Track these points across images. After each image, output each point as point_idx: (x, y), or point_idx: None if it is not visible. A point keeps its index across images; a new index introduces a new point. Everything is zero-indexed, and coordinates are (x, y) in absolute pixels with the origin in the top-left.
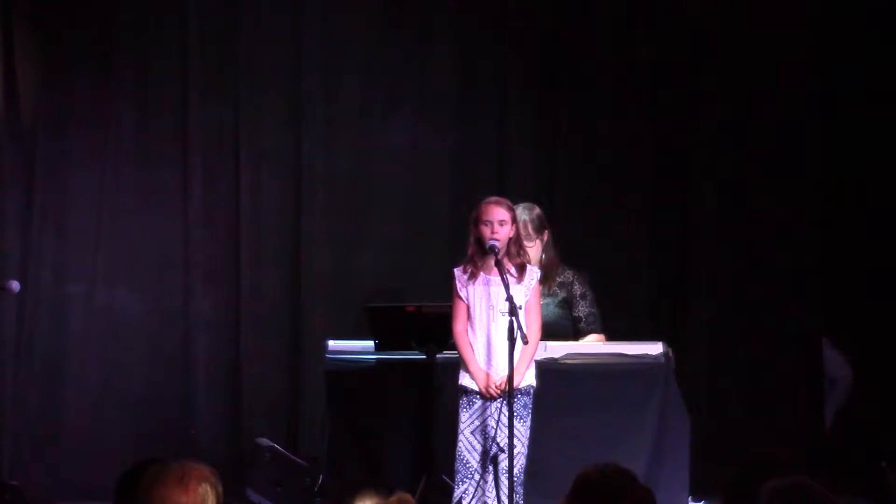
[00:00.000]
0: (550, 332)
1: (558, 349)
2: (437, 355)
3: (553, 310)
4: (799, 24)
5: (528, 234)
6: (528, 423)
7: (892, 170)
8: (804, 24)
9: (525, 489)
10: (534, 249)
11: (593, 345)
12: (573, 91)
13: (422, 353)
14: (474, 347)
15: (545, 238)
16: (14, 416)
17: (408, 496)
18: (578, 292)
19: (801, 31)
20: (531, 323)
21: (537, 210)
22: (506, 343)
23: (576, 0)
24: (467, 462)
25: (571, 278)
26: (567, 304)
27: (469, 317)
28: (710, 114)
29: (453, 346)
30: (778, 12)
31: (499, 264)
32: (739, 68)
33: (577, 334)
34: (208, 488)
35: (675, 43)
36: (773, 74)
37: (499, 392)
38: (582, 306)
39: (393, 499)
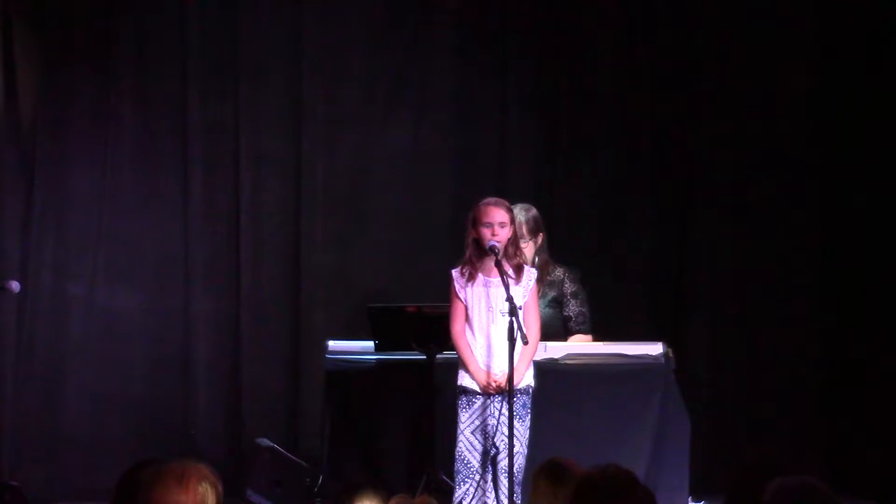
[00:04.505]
0: (543, 331)
1: (558, 349)
2: (437, 355)
3: (543, 309)
4: (799, 25)
5: (523, 235)
6: (528, 423)
7: (893, 169)
8: (804, 24)
9: (524, 489)
10: (527, 250)
11: (593, 345)
12: (573, 91)
13: (422, 353)
14: (474, 349)
15: (539, 241)
16: (14, 416)
17: (433, 501)
18: (569, 291)
19: (801, 31)
20: (530, 324)
21: (534, 211)
22: (506, 344)
23: (576, 1)
24: (468, 462)
25: (562, 276)
26: (557, 302)
27: (468, 318)
28: (710, 114)
29: (453, 347)
30: (778, 13)
31: (499, 265)
32: (739, 69)
33: (567, 333)
34: (208, 487)
35: (676, 44)
36: (773, 75)
37: (498, 388)
38: (572, 305)
39: (416, 501)
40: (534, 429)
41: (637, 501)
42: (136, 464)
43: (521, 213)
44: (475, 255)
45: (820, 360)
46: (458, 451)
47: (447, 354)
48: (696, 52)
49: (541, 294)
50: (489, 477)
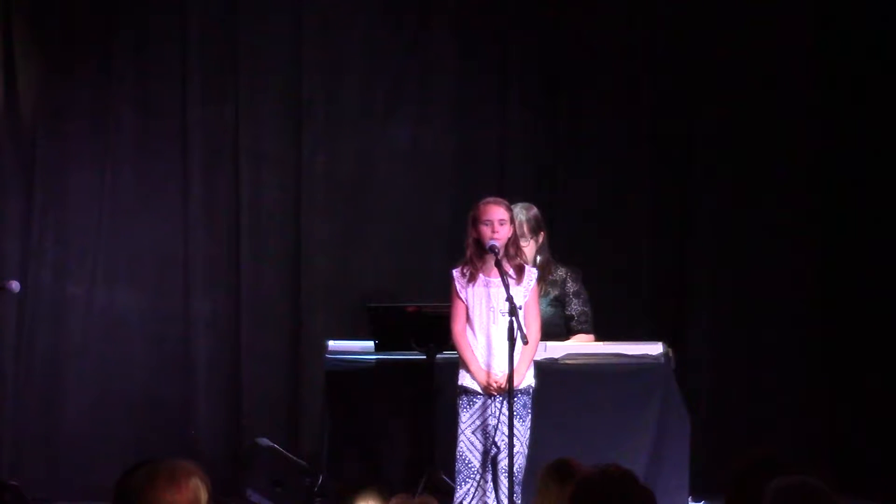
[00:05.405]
0: (544, 330)
1: (558, 349)
2: (437, 355)
3: (545, 308)
4: (799, 24)
5: (524, 234)
6: (528, 423)
7: (892, 168)
8: (804, 23)
9: (524, 489)
10: (528, 249)
11: (593, 345)
12: (573, 91)
13: (422, 353)
14: (474, 349)
15: (540, 240)
16: (14, 416)
17: (433, 501)
18: (572, 290)
19: (801, 30)
20: (530, 324)
21: (534, 210)
22: (506, 344)
23: (576, 1)
24: (469, 462)
25: (564, 276)
26: (559, 302)
27: (468, 318)
28: (711, 113)
29: (453, 347)
30: (778, 12)
31: (499, 264)
32: (739, 68)
33: (568, 333)
34: (198, 483)
35: (675, 42)
36: (772, 74)
37: (499, 389)
38: (575, 305)
39: (416, 500)
40: (534, 429)
41: (637, 501)
42: (133, 466)
43: (522, 212)
44: (476, 254)
45: (820, 359)
46: (459, 451)
47: (447, 354)
48: (696, 52)
49: (543, 293)
50: (489, 477)
